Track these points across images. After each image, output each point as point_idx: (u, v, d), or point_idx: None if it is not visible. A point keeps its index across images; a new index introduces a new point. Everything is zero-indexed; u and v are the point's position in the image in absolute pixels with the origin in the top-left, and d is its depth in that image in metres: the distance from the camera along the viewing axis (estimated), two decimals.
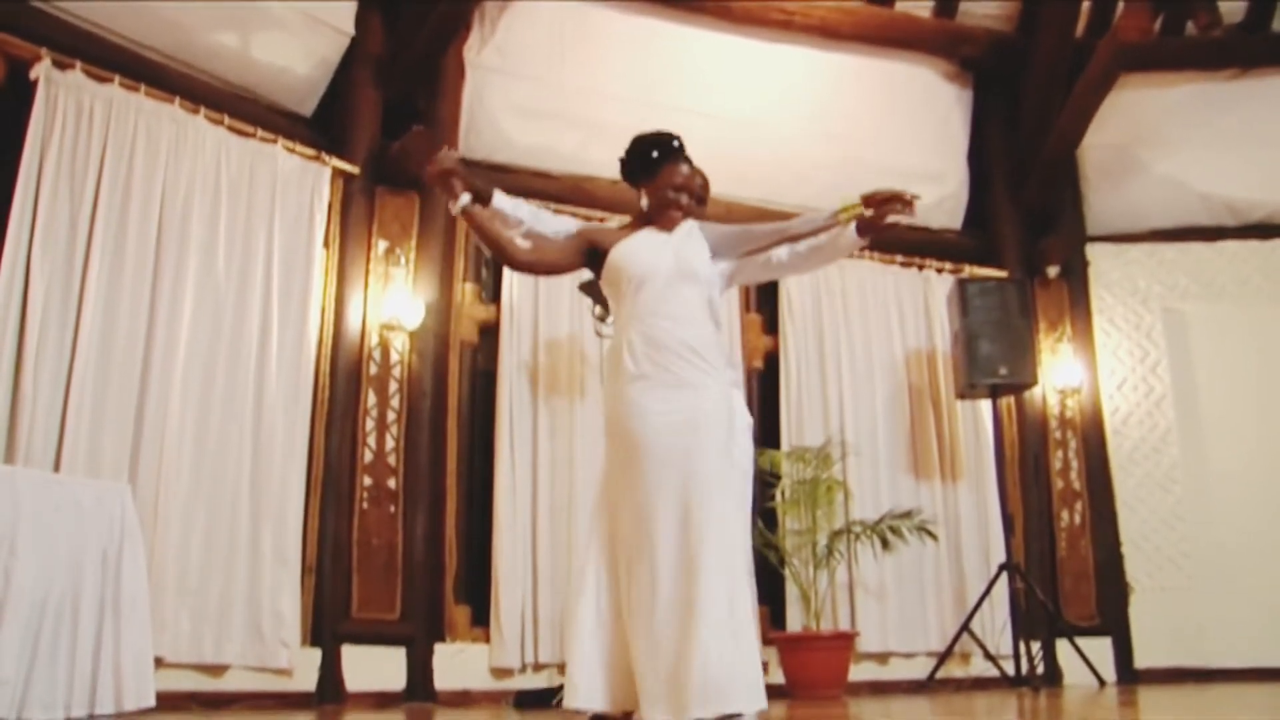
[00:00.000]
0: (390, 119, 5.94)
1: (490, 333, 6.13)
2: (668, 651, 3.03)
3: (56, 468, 4.38)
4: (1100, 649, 6.75)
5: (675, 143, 3.61)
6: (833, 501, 6.24)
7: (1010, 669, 6.24)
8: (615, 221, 3.80)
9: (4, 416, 4.35)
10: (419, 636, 5.56)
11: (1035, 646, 6.17)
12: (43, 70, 4.67)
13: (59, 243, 4.59)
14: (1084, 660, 6.36)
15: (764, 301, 6.92)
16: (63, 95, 4.72)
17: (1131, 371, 7.45)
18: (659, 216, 3.59)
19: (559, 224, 3.62)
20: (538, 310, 6.06)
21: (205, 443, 5.01)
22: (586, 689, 3.13)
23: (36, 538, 3.56)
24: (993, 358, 6.38)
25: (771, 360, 6.85)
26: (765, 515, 6.37)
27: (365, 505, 5.55)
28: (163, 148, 5.04)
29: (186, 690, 4.77)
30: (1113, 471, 7.26)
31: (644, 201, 3.60)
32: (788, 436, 6.57)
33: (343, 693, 5.28)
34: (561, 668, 5.60)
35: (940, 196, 7.50)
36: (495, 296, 6.19)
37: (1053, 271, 7.46)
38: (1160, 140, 7.55)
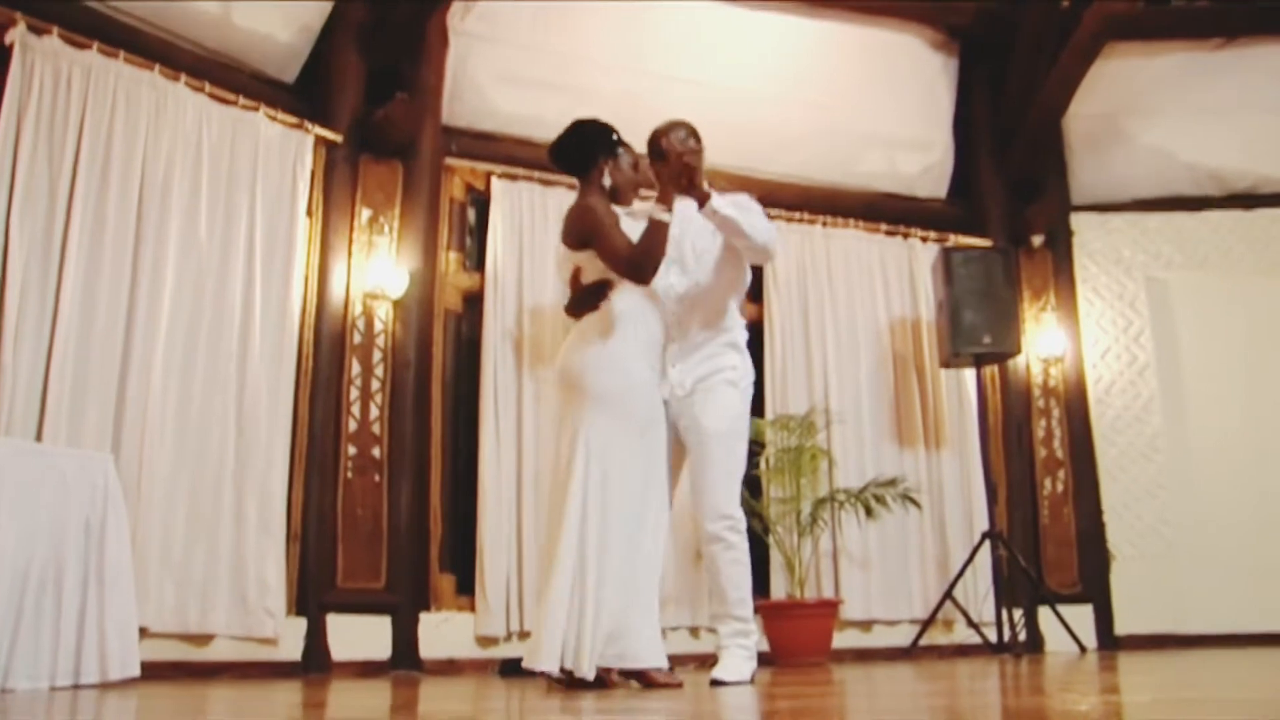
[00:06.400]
0: (373, 86, 5.88)
1: (474, 301, 6.11)
2: None
3: (39, 438, 4.36)
4: (1082, 616, 6.80)
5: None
6: (817, 470, 6.26)
7: (993, 636, 6.28)
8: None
9: None
10: (404, 605, 5.57)
11: (1017, 614, 6.22)
12: (18, 36, 4.61)
13: (38, 211, 4.55)
14: (1065, 627, 6.41)
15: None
16: (39, 62, 4.66)
17: (1115, 341, 7.48)
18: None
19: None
20: (522, 278, 6.05)
21: (188, 412, 4.99)
22: None
23: (18, 508, 3.56)
24: (977, 326, 6.39)
25: (755, 328, 6.80)
26: (750, 483, 6.37)
27: (350, 474, 5.55)
28: (142, 115, 4.99)
29: (171, 660, 4.77)
30: (1095, 440, 7.30)
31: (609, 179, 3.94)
32: (772, 404, 6.57)
33: (328, 662, 5.29)
34: None
35: (925, 165, 7.49)
36: (479, 265, 6.17)
37: (1037, 241, 7.47)
38: (1145, 109, 7.56)
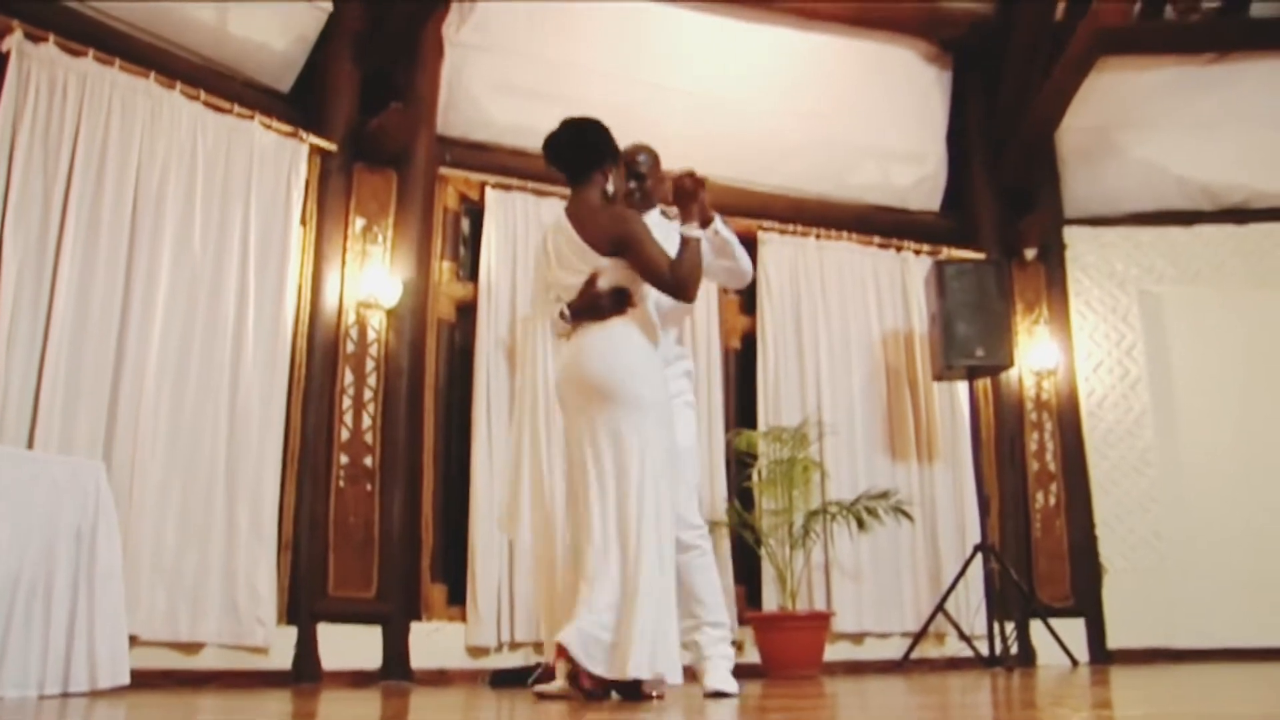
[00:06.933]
0: (368, 96, 5.89)
1: (467, 310, 6.11)
2: None
3: (30, 444, 4.35)
4: (1073, 630, 6.80)
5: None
6: (809, 482, 6.25)
7: (984, 649, 6.28)
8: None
9: None
10: (395, 615, 5.56)
11: (1009, 627, 6.21)
12: (15, 43, 4.62)
13: (32, 218, 4.55)
14: (1057, 641, 6.40)
15: None
16: (35, 69, 4.66)
17: (1107, 354, 7.49)
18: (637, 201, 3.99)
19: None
20: (515, 288, 6.05)
21: (181, 420, 4.98)
22: None
23: (10, 514, 3.54)
24: (969, 339, 6.39)
25: (749, 340, 6.87)
26: (742, 495, 6.39)
27: (342, 483, 5.54)
28: (138, 123, 4.99)
29: (162, 668, 4.76)
30: (1088, 453, 7.30)
31: (620, 185, 3.87)
32: (765, 416, 6.58)
33: (319, 671, 5.27)
34: (536, 646, 5.62)
35: (919, 177, 7.51)
36: (473, 274, 6.17)
37: (1030, 254, 7.49)
38: (1138, 123, 7.58)
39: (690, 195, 3.77)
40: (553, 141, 3.79)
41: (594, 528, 3.48)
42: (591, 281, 3.67)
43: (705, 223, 3.84)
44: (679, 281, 3.65)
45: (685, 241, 3.69)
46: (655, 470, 3.55)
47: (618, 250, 3.67)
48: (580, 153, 3.78)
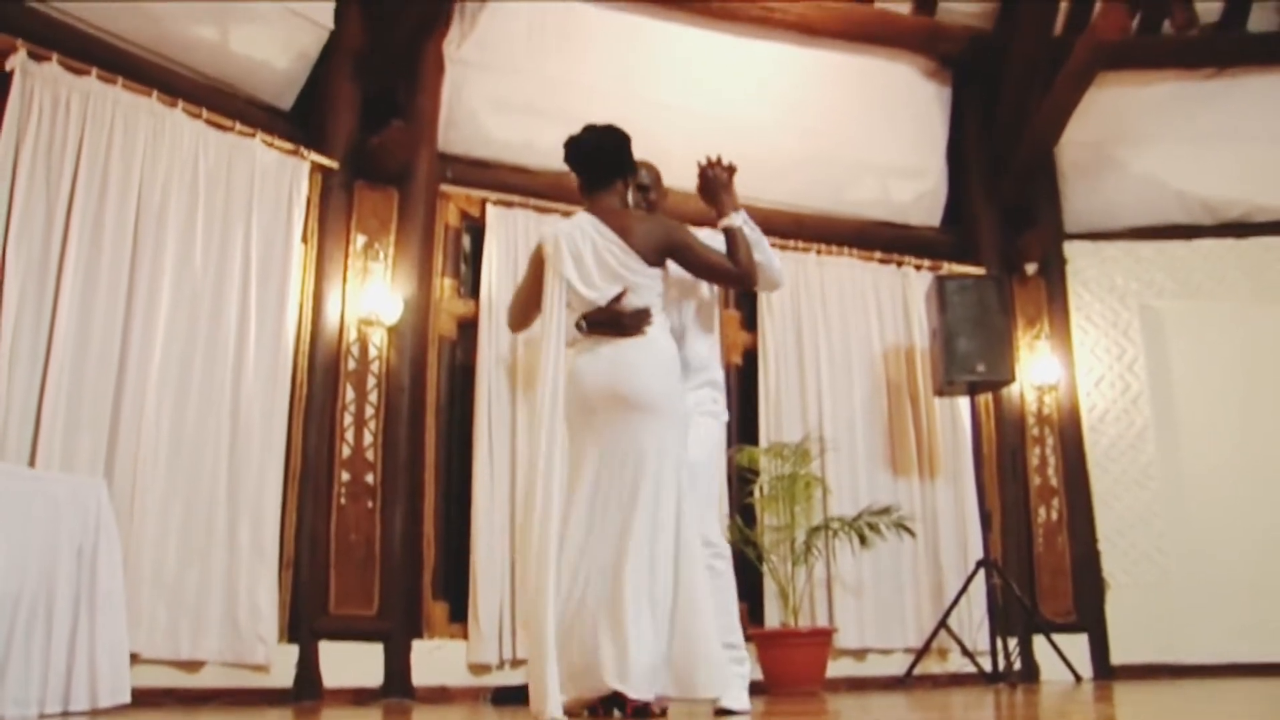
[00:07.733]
0: (369, 113, 5.91)
1: (469, 328, 6.12)
2: None
3: (32, 462, 4.35)
4: (1077, 645, 6.79)
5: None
6: (811, 498, 6.25)
7: (987, 665, 6.26)
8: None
9: None
10: (397, 632, 5.54)
11: (1012, 643, 6.20)
12: (18, 62, 4.63)
13: (35, 236, 4.56)
14: (1060, 656, 6.39)
15: (743, 298, 6.92)
16: (39, 87, 4.68)
17: (1108, 369, 7.48)
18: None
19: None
20: None
21: (182, 438, 4.98)
22: None
23: (11, 532, 3.54)
24: (971, 354, 6.39)
25: (750, 356, 6.86)
26: (744, 511, 6.38)
27: (343, 501, 5.53)
28: (140, 141, 5.00)
29: (163, 686, 4.75)
30: (1089, 468, 7.29)
31: (633, 196, 3.89)
32: (766, 432, 6.58)
33: (320, 689, 5.26)
34: None
35: (919, 193, 7.52)
36: (474, 292, 6.17)
37: (1031, 269, 7.49)
38: (1137, 138, 7.59)
39: (723, 185, 3.82)
40: (577, 145, 3.78)
41: (639, 543, 3.43)
42: (618, 297, 3.64)
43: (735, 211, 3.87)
44: (744, 271, 3.73)
45: (731, 233, 3.73)
46: (688, 485, 3.57)
47: (669, 256, 3.69)
48: (605, 158, 3.77)
